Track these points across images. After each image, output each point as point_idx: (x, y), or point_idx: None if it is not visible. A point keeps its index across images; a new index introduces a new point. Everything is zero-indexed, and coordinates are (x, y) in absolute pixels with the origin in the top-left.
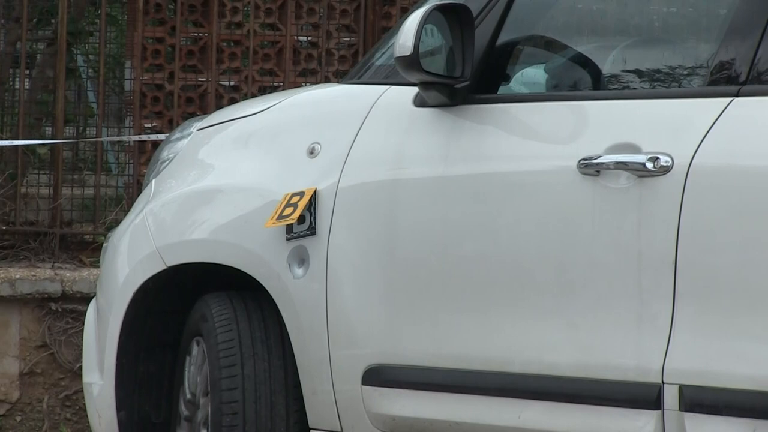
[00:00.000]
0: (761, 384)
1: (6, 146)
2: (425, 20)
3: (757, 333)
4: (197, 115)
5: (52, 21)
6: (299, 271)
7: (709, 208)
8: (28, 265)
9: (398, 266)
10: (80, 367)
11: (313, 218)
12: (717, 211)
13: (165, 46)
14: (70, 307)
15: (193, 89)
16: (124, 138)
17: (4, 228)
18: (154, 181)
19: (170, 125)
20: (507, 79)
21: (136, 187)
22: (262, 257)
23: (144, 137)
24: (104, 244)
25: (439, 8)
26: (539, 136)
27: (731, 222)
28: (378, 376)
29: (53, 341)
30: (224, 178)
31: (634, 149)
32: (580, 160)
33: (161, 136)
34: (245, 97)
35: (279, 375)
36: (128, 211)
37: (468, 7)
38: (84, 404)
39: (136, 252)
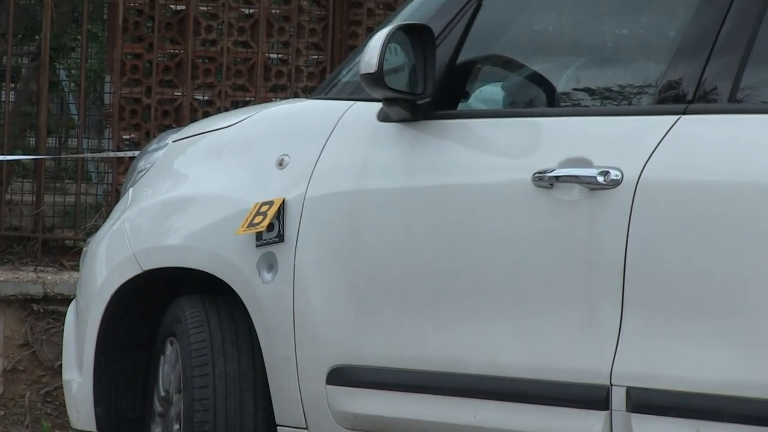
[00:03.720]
0: (704, 386)
1: None
2: (389, 39)
3: (700, 338)
4: (173, 128)
5: (36, 37)
6: (268, 276)
7: (656, 219)
8: (11, 268)
9: (362, 272)
10: (60, 365)
11: (282, 226)
12: (663, 223)
13: (143, 61)
14: (52, 308)
15: (170, 103)
16: (104, 155)
17: None
18: (131, 190)
19: (147, 137)
20: (466, 96)
21: (115, 195)
22: (233, 262)
23: (121, 154)
24: (84, 249)
25: (403, 28)
26: (496, 150)
27: (677, 233)
28: (342, 376)
29: (35, 340)
30: (198, 187)
31: (586, 163)
32: (534, 174)
33: (135, 152)
34: (218, 111)
35: (248, 374)
36: (107, 218)
37: (430, 27)
38: (64, 400)
39: (113, 256)
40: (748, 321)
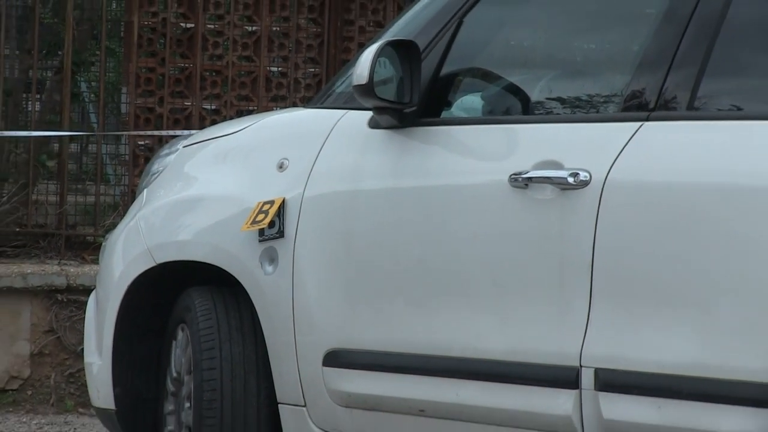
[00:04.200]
0: (664, 368)
1: (20, 160)
2: (379, 54)
3: (662, 325)
4: (182, 135)
5: (59, 52)
6: (269, 269)
7: (621, 217)
8: (38, 262)
9: (354, 265)
10: (82, 349)
11: (282, 223)
12: (628, 220)
13: (156, 74)
14: (74, 298)
15: (180, 112)
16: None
17: (17, 230)
18: (145, 190)
19: (160, 143)
20: (449, 105)
21: (131, 195)
22: (238, 256)
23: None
24: (103, 244)
25: (391, 44)
26: (476, 154)
27: (640, 230)
28: (336, 358)
29: (59, 327)
30: (206, 188)
31: (558, 166)
32: (510, 175)
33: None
34: (224, 119)
35: (252, 357)
36: (124, 216)
37: (416, 42)
38: (85, 381)
39: (130, 251)
40: (704, 310)
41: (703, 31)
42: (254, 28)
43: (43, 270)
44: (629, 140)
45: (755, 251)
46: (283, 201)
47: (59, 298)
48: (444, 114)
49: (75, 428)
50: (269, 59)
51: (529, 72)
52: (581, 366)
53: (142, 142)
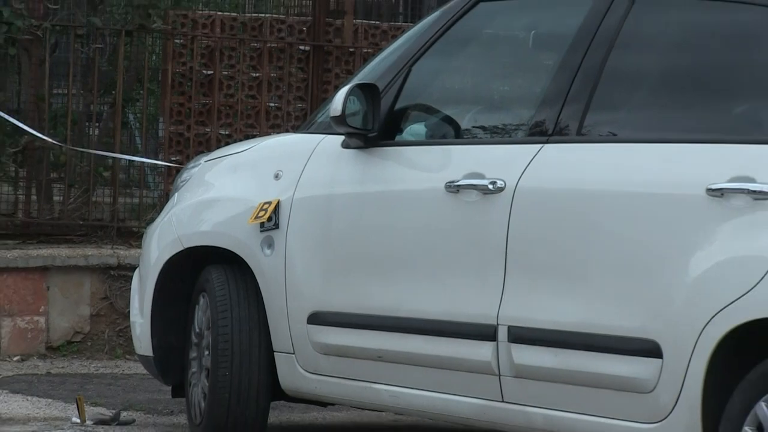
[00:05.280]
0: (559, 325)
1: (83, 171)
2: (349, 93)
3: (557, 294)
4: (204, 153)
5: (113, 92)
6: (268, 252)
7: (527, 214)
8: (96, 247)
9: (330, 249)
10: (128, 312)
11: (277, 218)
12: (533, 216)
13: (185, 108)
14: (123, 273)
15: (202, 136)
16: (160, 163)
17: (81, 222)
18: (176, 194)
19: (187, 159)
20: (401, 131)
21: (165, 197)
22: (245, 242)
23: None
24: (144, 233)
25: (358, 86)
26: (420, 167)
27: (541, 223)
28: (317, 318)
29: (111, 294)
30: (221, 192)
31: (481, 176)
32: (446, 183)
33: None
34: (235, 141)
35: (255, 317)
36: (160, 213)
37: (376, 85)
38: (131, 335)
39: (164, 238)
40: (587, 283)
41: (588, 78)
42: (257, 74)
43: (99, 253)
44: (533, 157)
45: (624, 240)
46: (278, 201)
47: (112, 273)
48: (397, 138)
49: (123, 371)
50: (268, 97)
51: (459, 107)
52: (498, 324)
53: (174, 158)
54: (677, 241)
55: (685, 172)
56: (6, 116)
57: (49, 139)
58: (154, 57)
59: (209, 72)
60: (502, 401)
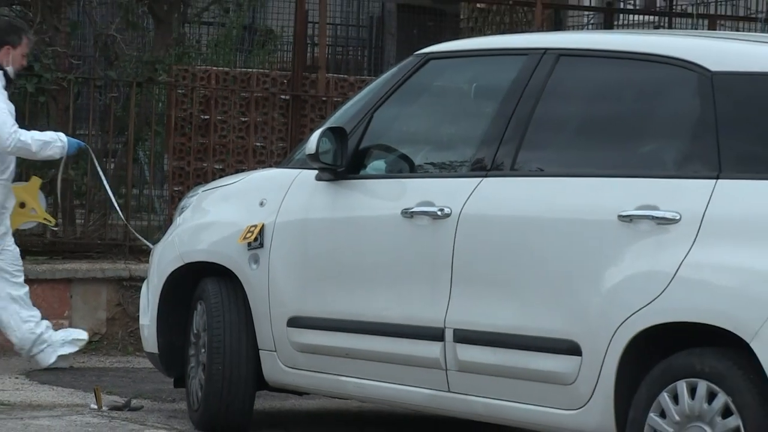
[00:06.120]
0: (497, 328)
1: (100, 198)
2: (322, 135)
3: (493, 301)
4: (202, 184)
5: (125, 133)
6: (254, 267)
7: (469, 235)
8: (111, 262)
9: (307, 265)
10: (138, 316)
11: (262, 238)
12: (474, 237)
13: (186, 146)
14: (134, 284)
15: (201, 170)
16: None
17: (98, 242)
18: (178, 218)
19: (187, 189)
20: (364, 166)
21: (169, 221)
22: (235, 259)
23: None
24: (151, 251)
25: (329, 128)
26: (380, 197)
27: (481, 243)
28: (295, 322)
29: (124, 302)
30: (215, 217)
31: (431, 204)
32: (402, 210)
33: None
34: (227, 175)
35: (243, 321)
36: (165, 234)
37: (344, 128)
38: (140, 335)
39: (168, 255)
40: (519, 293)
41: (519, 123)
42: (246, 119)
43: (114, 267)
44: (475, 189)
45: (549, 257)
46: (263, 225)
47: (124, 284)
48: (362, 172)
49: (133, 365)
50: (255, 138)
51: (413, 146)
52: (445, 327)
53: (177, 188)
54: (594, 259)
55: (600, 201)
56: (101, 175)
57: (116, 205)
58: (160, 104)
59: (206, 117)
60: (449, 391)
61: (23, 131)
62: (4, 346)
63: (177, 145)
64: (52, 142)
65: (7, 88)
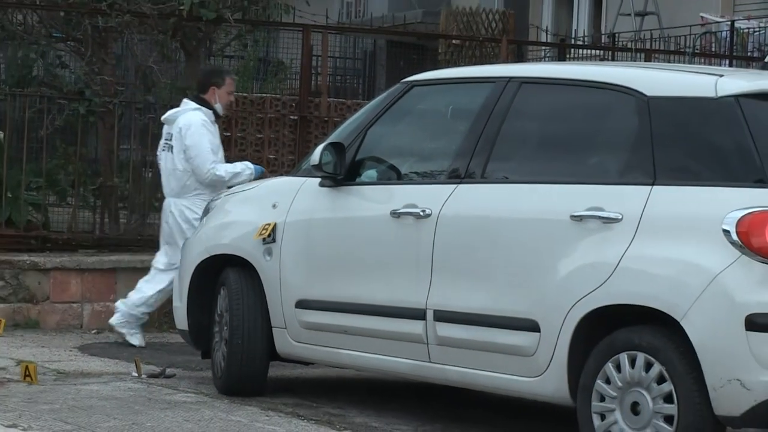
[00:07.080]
0: (470, 309)
1: (140, 201)
2: (324, 149)
3: (467, 287)
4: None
5: None
6: (268, 258)
7: (447, 232)
8: (149, 254)
9: (311, 257)
10: (172, 299)
11: (275, 235)
12: (451, 233)
13: None
14: None
15: None
16: None
17: (139, 237)
18: (204, 219)
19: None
20: (360, 175)
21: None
22: (252, 252)
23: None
24: (183, 245)
25: (330, 143)
26: (373, 200)
27: (457, 238)
28: (302, 304)
29: None
30: (236, 217)
31: (415, 206)
32: (390, 211)
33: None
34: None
35: (259, 304)
36: (194, 231)
37: (343, 143)
38: (173, 315)
39: (197, 249)
40: (490, 280)
41: (488, 139)
42: (261, 136)
43: (151, 258)
44: (451, 193)
45: (514, 251)
46: (275, 224)
47: None
48: (357, 179)
49: (168, 340)
50: (269, 152)
51: (400, 159)
52: (426, 308)
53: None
54: (550, 252)
55: (556, 204)
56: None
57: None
58: None
59: (228, 134)
60: (429, 362)
61: (219, 165)
62: (60, 324)
63: None
64: (242, 172)
65: (215, 123)
